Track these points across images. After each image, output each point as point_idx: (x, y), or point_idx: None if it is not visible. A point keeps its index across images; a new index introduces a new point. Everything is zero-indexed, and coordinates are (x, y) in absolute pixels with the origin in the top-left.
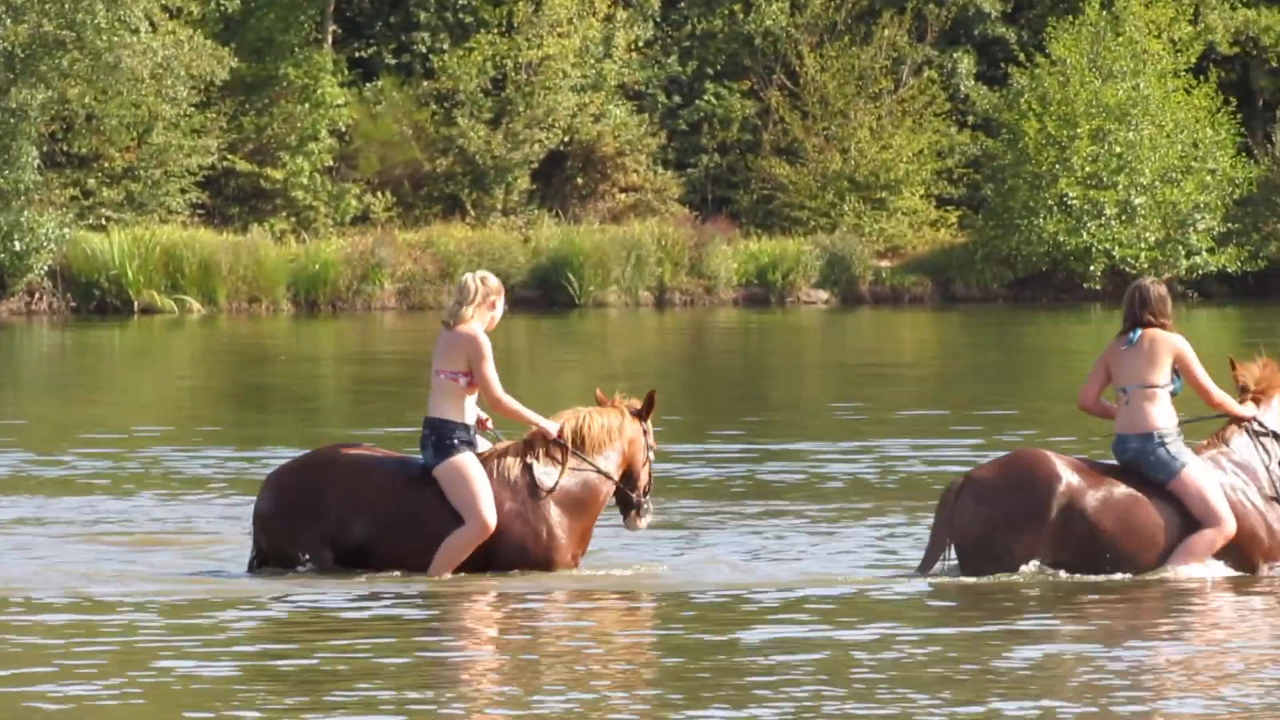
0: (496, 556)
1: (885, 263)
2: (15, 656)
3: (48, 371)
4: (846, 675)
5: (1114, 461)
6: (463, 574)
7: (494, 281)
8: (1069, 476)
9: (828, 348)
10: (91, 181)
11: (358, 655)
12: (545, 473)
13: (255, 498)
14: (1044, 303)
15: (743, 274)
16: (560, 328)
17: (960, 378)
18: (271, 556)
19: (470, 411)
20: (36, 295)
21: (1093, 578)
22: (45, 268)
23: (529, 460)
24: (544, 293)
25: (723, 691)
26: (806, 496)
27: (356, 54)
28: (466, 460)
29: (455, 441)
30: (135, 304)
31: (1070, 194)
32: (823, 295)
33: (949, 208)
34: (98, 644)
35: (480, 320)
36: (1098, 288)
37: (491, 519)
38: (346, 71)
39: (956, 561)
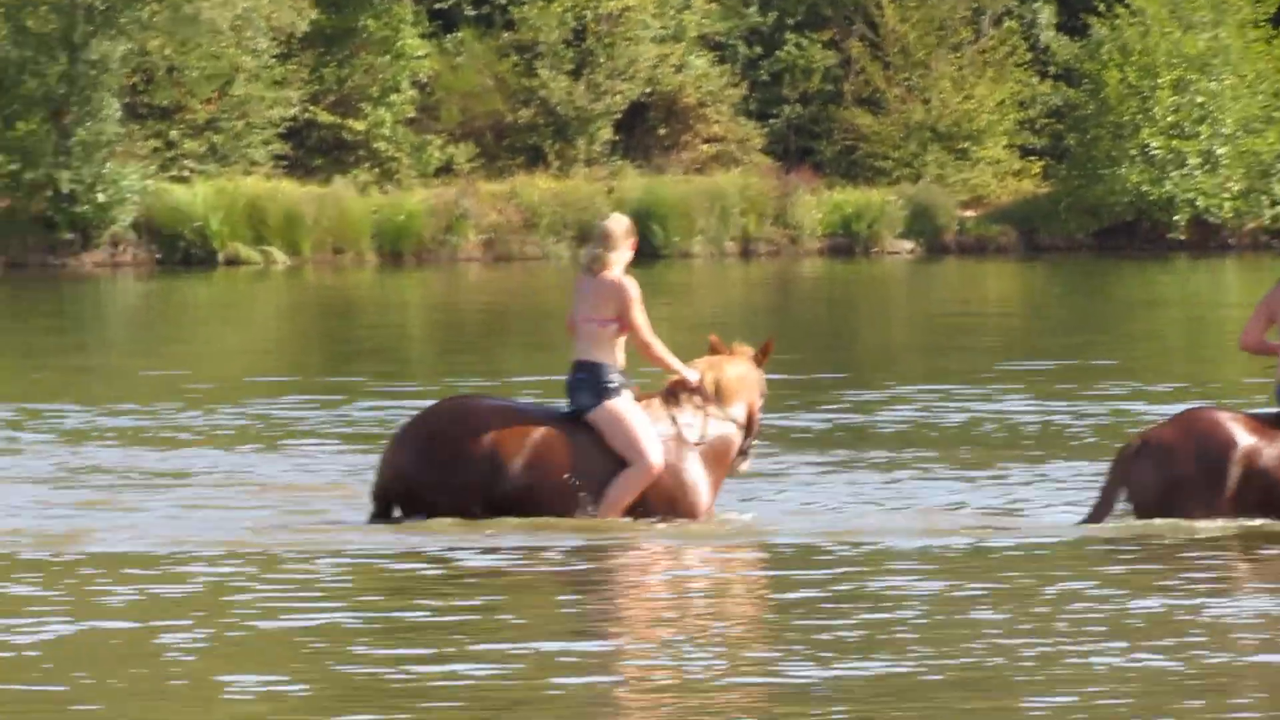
0: (645, 508)
1: (969, 213)
2: (161, 607)
3: (139, 323)
4: (1026, 625)
5: (1276, 410)
6: (620, 519)
7: (628, 222)
8: (1245, 440)
9: (916, 298)
10: (174, 133)
11: (498, 606)
12: (689, 424)
13: (383, 449)
14: (1129, 252)
15: (827, 224)
16: (646, 278)
17: (1051, 327)
18: (408, 509)
19: (620, 355)
20: (121, 247)
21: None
22: (129, 220)
23: (673, 412)
24: None
25: (874, 641)
26: (920, 444)
27: (436, 5)
28: (626, 402)
29: (612, 384)
30: (220, 255)
31: (1153, 144)
32: (908, 245)
33: (1032, 158)
34: (237, 594)
35: (620, 265)
36: (1182, 238)
37: (659, 459)
38: (427, 23)
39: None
